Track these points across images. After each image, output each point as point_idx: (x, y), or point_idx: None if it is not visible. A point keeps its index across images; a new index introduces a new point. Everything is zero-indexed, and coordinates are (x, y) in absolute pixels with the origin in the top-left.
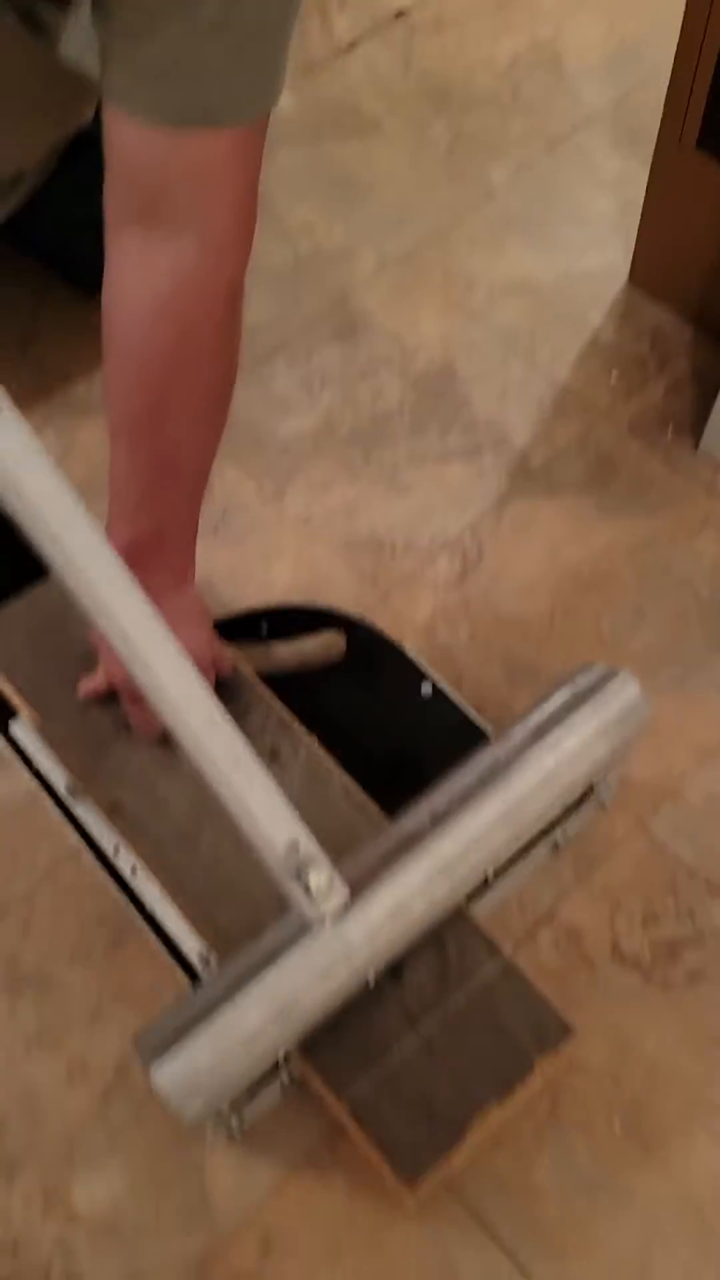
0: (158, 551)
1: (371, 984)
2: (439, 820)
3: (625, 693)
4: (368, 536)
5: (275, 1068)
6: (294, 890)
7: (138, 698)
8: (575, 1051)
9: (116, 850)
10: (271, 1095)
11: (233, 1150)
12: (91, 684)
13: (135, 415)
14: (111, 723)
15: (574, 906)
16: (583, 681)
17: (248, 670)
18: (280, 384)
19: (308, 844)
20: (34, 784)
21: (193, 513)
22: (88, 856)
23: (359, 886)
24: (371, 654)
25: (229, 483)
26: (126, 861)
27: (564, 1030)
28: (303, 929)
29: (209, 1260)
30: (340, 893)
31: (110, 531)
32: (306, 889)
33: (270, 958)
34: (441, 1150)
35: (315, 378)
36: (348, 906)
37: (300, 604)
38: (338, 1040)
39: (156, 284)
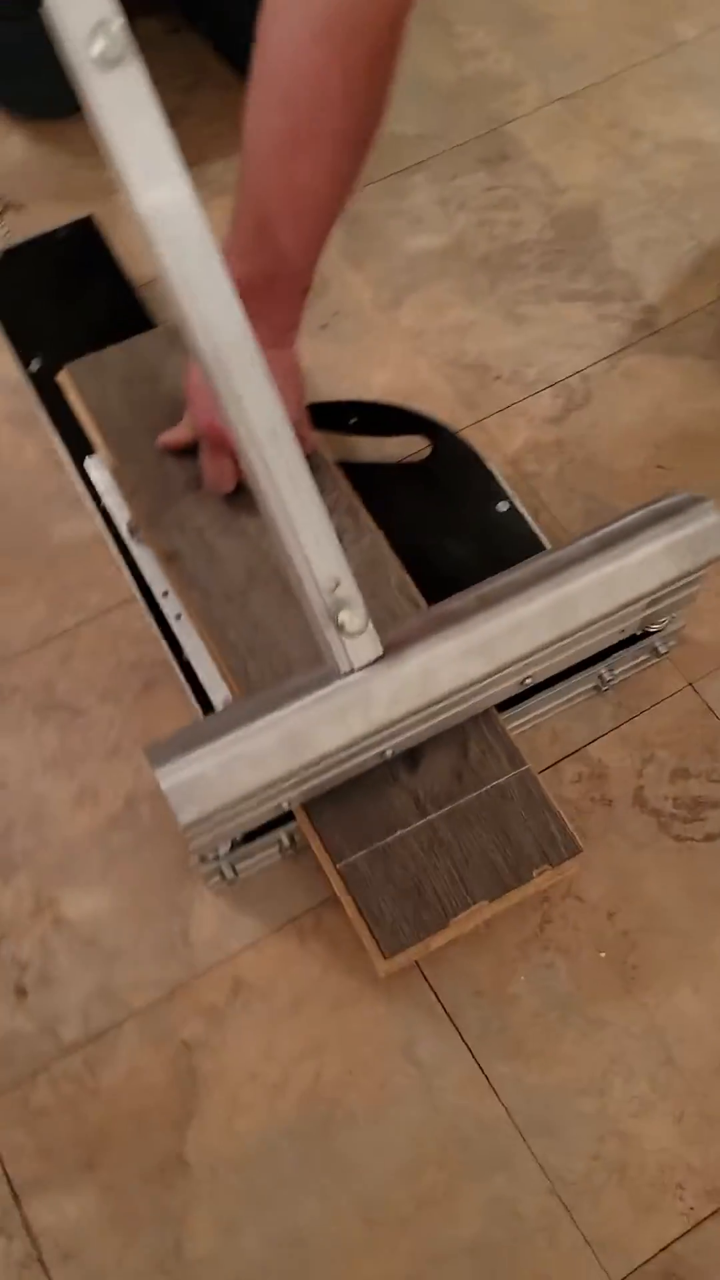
0: (265, 298)
1: (389, 755)
2: (485, 604)
3: (703, 518)
4: (475, 360)
5: (275, 825)
6: (327, 633)
7: (217, 448)
8: (576, 880)
9: (166, 595)
10: (268, 855)
11: (220, 901)
12: (173, 435)
13: (271, 140)
14: (184, 477)
15: (605, 747)
16: (662, 504)
17: (327, 454)
18: (417, 199)
19: (350, 587)
20: (100, 525)
21: (307, 262)
22: (138, 606)
23: (393, 650)
24: (454, 462)
25: (347, 286)
26: (173, 607)
27: (572, 846)
28: (330, 676)
29: (179, 990)
30: (372, 645)
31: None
32: (340, 629)
33: (291, 695)
34: (424, 930)
35: (454, 199)
36: (378, 661)
37: (392, 402)
38: (345, 811)
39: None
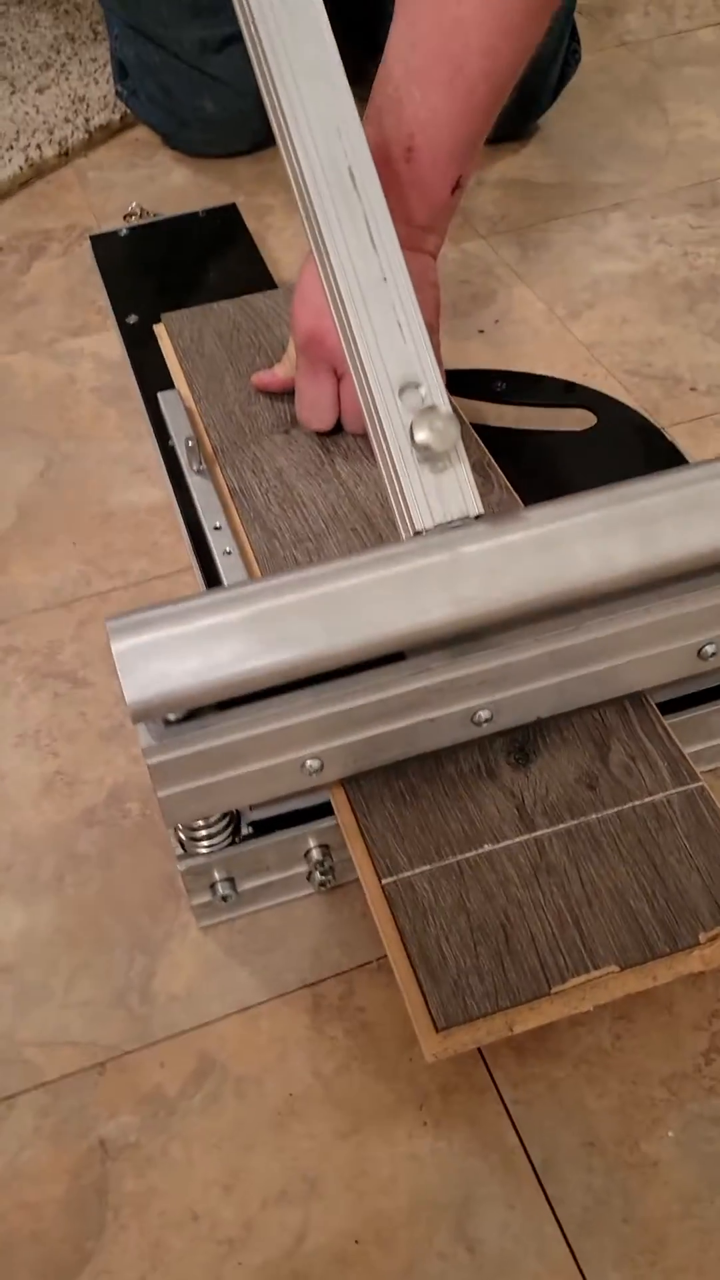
0: (402, 179)
1: (485, 724)
2: (650, 482)
3: None
4: (665, 372)
5: (303, 819)
6: (397, 464)
7: (318, 366)
8: None
9: (218, 528)
10: (288, 877)
11: (209, 942)
12: (269, 374)
13: None
14: (272, 420)
15: None
16: None
17: (453, 404)
18: (610, 234)
19: (437, 394)
20: (163, 475)
21: (456, 140)
22: (190, 576)
23: (499, 514)
24: (626, 434)
25: (515, 299)
26: (223, 542)
27: None
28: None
29: (114, 1062)
30: (465, 494)
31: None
32: (416, 450)
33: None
34: (509, 998)
35: (654, 234)
36: (476, 521)
37: (547, 375)
38: (406, 809)
39: None
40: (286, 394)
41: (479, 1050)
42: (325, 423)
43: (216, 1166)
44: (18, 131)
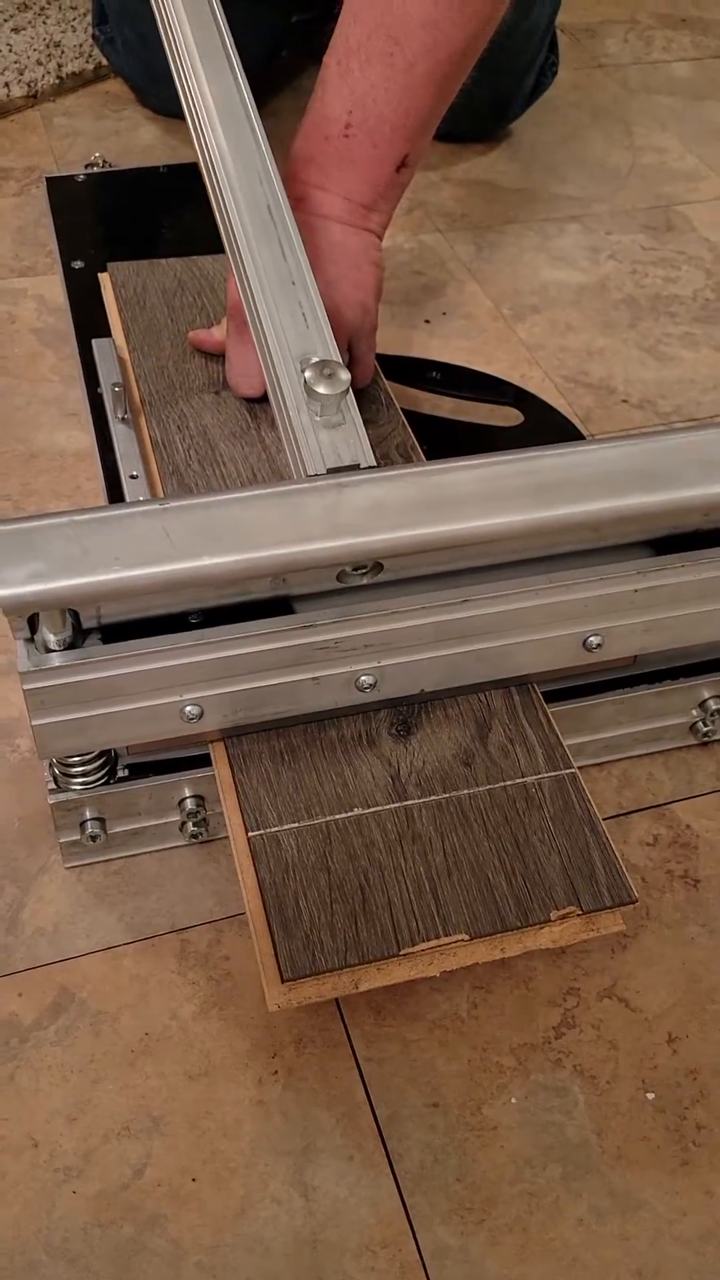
0: (342, 153)
1: (367, 688)
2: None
3: None
4: (600, 382)
5: (180, 768)
6: (290, 413)
7: (246, 333)
8: (626, 974)
9: (134, 478)
10: (162, 825)
11: (81, 883)
12: (205, 333)
13: None
14: (204, 380)
15: (700, 811)
16: None
17: (386, 387)
18: (564, 244)
19: (331, 354)
20: (87, 419)
21: (398, 121)
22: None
23: (392, 469)
24: (550, 435)
25: (465, 293)
26: (138, 491)
27: (621, 890)
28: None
29: None
30: (358, 444)
31: (309, 107)
32: (310, 396)
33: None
34: (356, 954)
35: (606, 249)
36: (367, 469)
37: (483, 371)
38: (282, 768)
39: None
40: (220, 356)
41: (338, 1007)
42: (253, 389)
43: (63, 1098)
44: None
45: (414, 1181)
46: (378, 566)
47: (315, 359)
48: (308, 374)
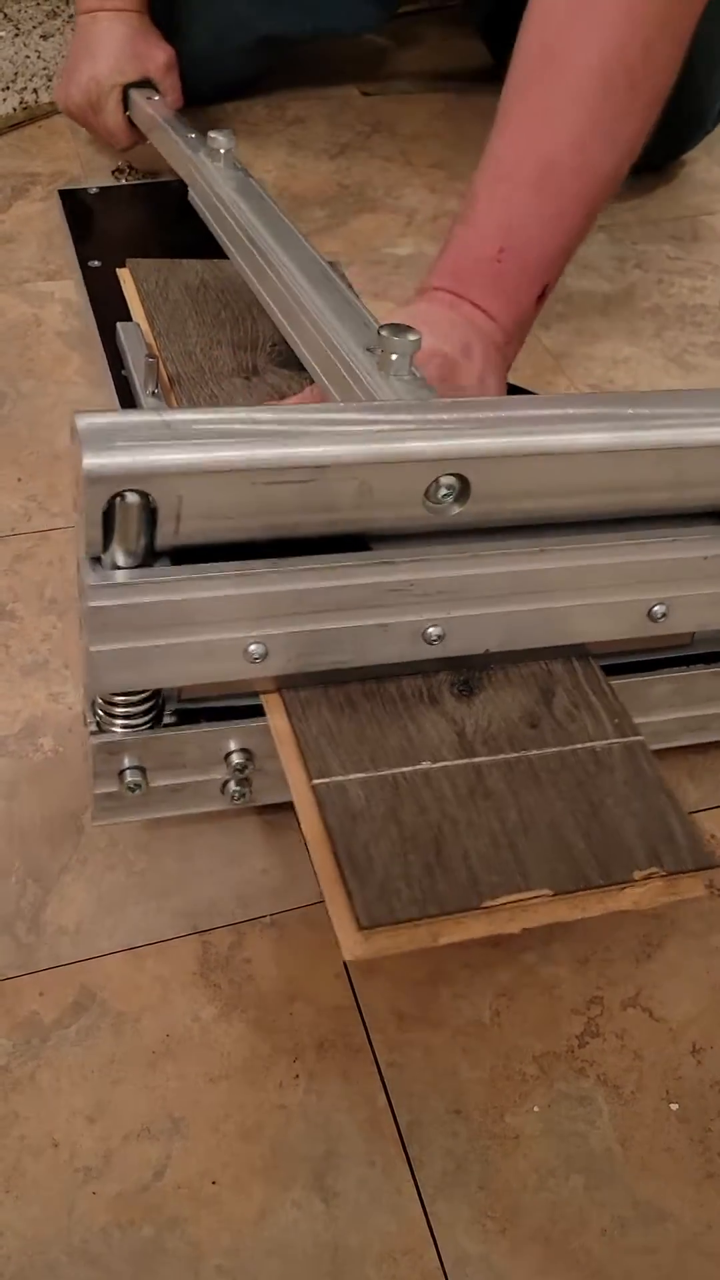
0: (494, 277)
1: (434, 641)
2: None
3: None
4: (625, 390)
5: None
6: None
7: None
8: (650, 985)
9: None
10: (204, 778)
11: (107, 879)
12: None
13: (523, 68)
14: (233, 366)
15: None
16: None
17: None
18: (591, 252)
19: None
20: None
21: (545, 249)
22: None
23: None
24: None
25: None
26: None
27: (701, 854)
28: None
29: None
30: (419, 383)
31: (459, 221)
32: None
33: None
34: (437, 904)
35: (632, 258)
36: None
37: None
38: (344, 720)
39: None
40: (249, 346)
41: (359, 1011)
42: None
43: (83, 1097)
44: (15, 73)
45: (436, 1189)
46: (465, 490)
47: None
48: (383, 331)
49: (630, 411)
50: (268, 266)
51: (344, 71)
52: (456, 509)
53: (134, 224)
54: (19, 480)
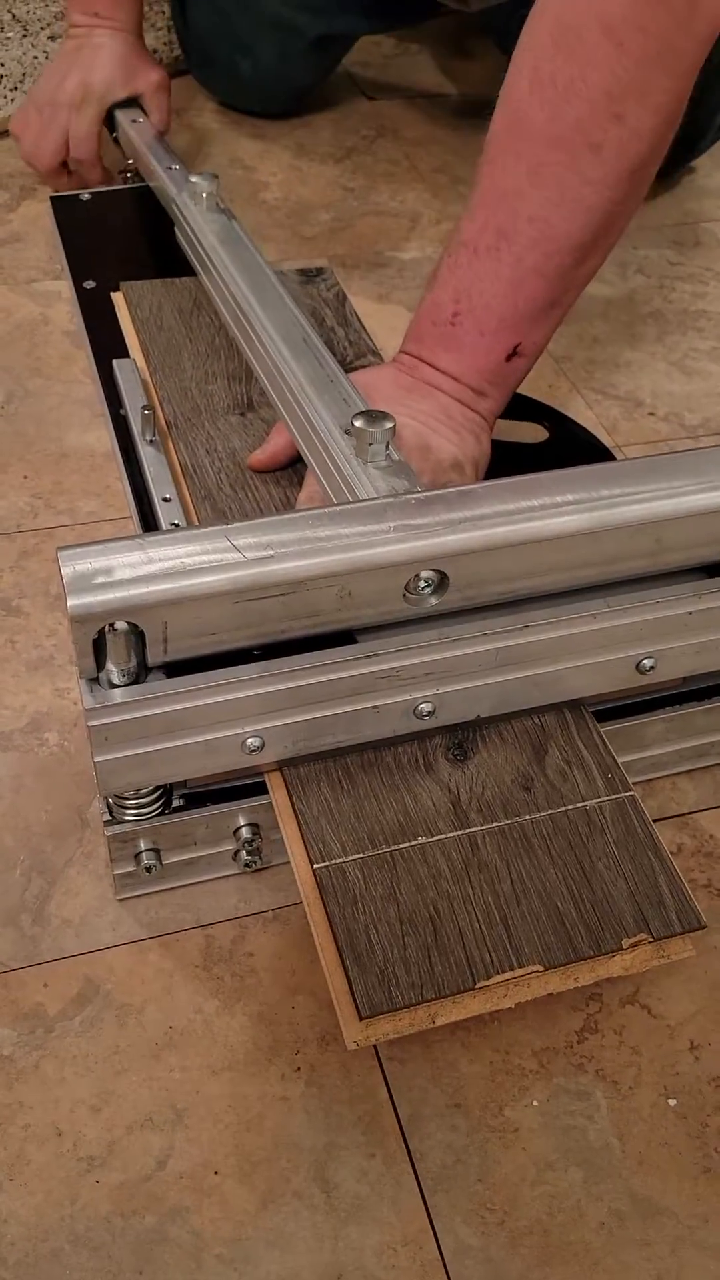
0: (448, 339)
1: (426, 716)
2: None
3: None
4: (627, 394)
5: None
6: (340, 461)
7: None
8: (649, 983)
9: (168, 500)
10: (215, 854)
11: (94, 877)
12: (262, 455)
13: (493, 133)
14: (229, 402)
15: None
16: None
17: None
18: None
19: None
20: (110, 435)
21: (505, 313)
22: (130, 525)
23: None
24: (574, 451)
25: None
26: (172, 515)
27: (690, 916)
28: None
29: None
30: (405, 474)
31: (422, 297)
32: (356, 436)
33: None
34: (434, 989)
35: (634, 263)
36: (411, 488)
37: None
38: (343, 797)
39: None
40: (244, 377)
41: None
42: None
43: (87, 1088)
44: (24, 74)
45: (435, 1180)
46: (444, 583)
47: (362, 427)
48: (357, 421)
49: (605, 493)
50: (250, 330)
51: (349, 76)
52: (435, 600)
53: (128, 232)
54: (25, 478)
